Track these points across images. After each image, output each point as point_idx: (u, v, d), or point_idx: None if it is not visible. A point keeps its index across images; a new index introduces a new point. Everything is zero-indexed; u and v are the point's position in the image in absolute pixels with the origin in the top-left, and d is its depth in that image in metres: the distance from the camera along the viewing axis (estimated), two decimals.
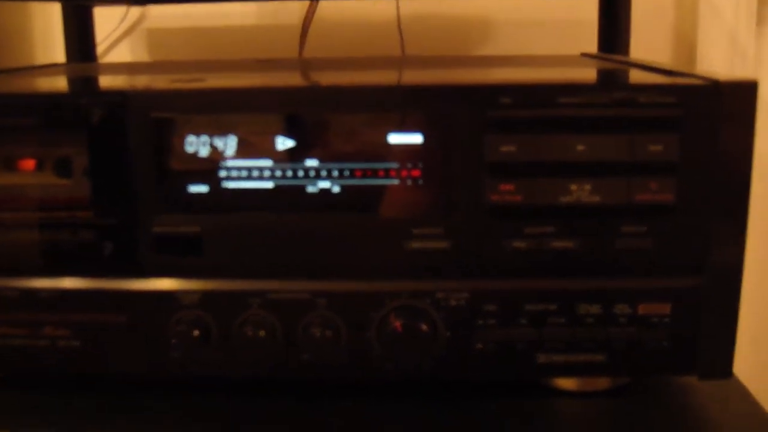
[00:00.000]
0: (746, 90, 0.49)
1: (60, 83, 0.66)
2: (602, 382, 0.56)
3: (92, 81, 0.68)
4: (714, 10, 0.98)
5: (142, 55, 1.05)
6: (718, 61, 0.99)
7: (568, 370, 0.53)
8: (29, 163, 0.53)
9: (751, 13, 0.97)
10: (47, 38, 1.05)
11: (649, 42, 1.00)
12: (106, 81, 0.68)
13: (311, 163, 0.51)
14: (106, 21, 1.02)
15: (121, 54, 1.05)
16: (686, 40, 1.02)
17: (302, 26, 0.95)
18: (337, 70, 0.70)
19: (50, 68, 0.80)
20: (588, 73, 0.63)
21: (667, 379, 0.57)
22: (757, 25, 0.98)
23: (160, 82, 0.61)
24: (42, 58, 1.05)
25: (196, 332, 0.52)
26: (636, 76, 0.57)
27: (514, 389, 0.56)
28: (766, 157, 0.97)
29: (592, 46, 0.90)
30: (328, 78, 0.66)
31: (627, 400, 0.55)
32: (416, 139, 0.51)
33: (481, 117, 0.49)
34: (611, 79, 0.59)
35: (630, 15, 0.88)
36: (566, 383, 0.56)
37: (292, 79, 0.66)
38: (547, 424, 0.53)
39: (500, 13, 1.02)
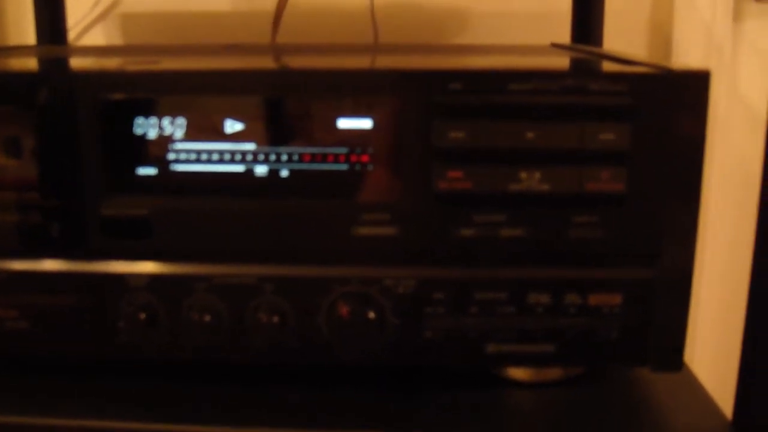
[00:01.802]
0: (699, 80, 0.48)
1: (16, 64, 0.65)
2: (555, 373, 0.55)
3: (48, 62, 0.67)
4: (690, 4, 0.97)
5: (116, 40, 1.04)
6: (694, 55, 0.98)
7: (518, 360, 0.53)
8: None
9: (728, 8, 0.97)
10: (20, 21, 1.04)
11: (625, 35, 1.00)
12: (64, 63, 0.67)
13: (260, 146, 0.51)
14: (80, 5, 1.01)
15: (95, 38, 1.04)
16: (662, 34, 1.01)
17: (275, 12, 0.94)
18: (299, 56, 0.70)
19: (18, 49, 0.80)
20: (546, 62, 0.62)
21: (620, 370, 0.57)
22: (734, 21, 0.98)
23: (115, 64, 0.61)
24: (15, 40, 1.04)
25: (142, 315, 0.52)
26: (592, 65, 0.57)
27: (467, 378, 0.55)
28: (743, 152, 0.97)
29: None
30: (286, 63, 0.65)
31: (579, 391, 0.55)
32: (365, 124, 0.50)
33: (430, 102, 0.49)
34: (564, 67, 0.58)
35: (603, 6, 0.88)
36: (519, 373, 0.55)
37: (247, 62, 0.65)
38: (499, 414, 0.53)
39: (477, 4, 1.01)
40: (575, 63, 0.61)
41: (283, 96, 0.51)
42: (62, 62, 0.67)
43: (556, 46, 0.82)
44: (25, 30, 1.03)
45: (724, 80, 0.99)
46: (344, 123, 0.50)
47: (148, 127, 0.51)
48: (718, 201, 1.00)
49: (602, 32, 0.89)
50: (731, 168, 0.99)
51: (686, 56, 0.99)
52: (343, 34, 1.01)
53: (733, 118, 0.99)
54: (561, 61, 0.63)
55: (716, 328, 1.02)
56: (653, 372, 0.52)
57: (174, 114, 0.51)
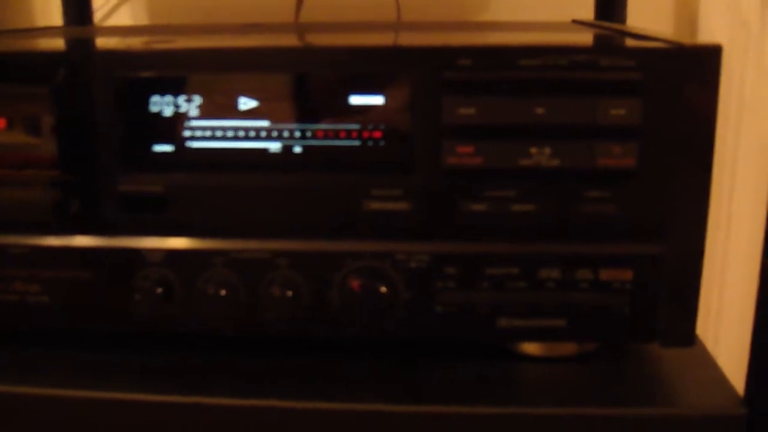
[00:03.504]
0: (711, 54, 0.48)
1: (35, 44, 0.66)
2: (568, 348, 0.56)
3: (68, 42, 0.68)
4: None
5: (142, 20, 1.05)
6: (720, 31, 0.97)
7: (529, 335, 0.53)
8: (0, 122, 0.53)
9: None
10: (47, 3, 1.05)
11: (650, 11, 0.99)
12: (83, 42, 0.68)
13: (273, 123, 0.51)
14: None
15: (121, 19, 1.05)
16: (688, 10, 1.00)
17: None
18: (318, 34, 0.70)
19: (43, 31, 0.81)
20: (563, 38, 0.62)
21: (634, 346, 0.57)
22: None
23: (133, 43, 0.62)
24: (42, 22, 1.05)
25: (159, 289, 0.53)
26: (606, 41, 0.57)
27: (479, 353, 0.56)
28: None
29: None
30: (300, 41, 0.66)
31: (592, 366, 0.55)
32: (377, 100, 0.51)
33: (440, 79, 0.49)
34: (577, 43, 0.58)
35: None
36: (531, 348, 0.56)
37: (263, 41, 0.65)
38: (511, 388, 0.53)
39: None
40: (590, 39, 0.61)
41: (296, 73, 0.51)
42: (81, 42, 0.68)
43: (577, 23, 0.81)
44: (51, 12, 1.04)
45: (752, 56, 0.97)
46: (356, 99, 0.51)
47: (163, 105, 0.52)
48: (745, 177, 0.99)
49: (625, 8, 0.88)
50: (760, 145, 0.98)
51: (712, 32, 0.98)
52: (367, 12, 1.01)
53: (762, 93, 0.98)
54: (577, 37, 0.63)
55: (743, 308, 1.01)
56: (664, 347, 0.52)
57: (189, 92, 0.52)
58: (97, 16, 1.01)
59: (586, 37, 0.63)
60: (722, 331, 1.02)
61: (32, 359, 0.56)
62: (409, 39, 0.65)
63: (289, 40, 0.67)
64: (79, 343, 0.58)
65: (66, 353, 0.57)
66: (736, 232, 1.00)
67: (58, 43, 0.67)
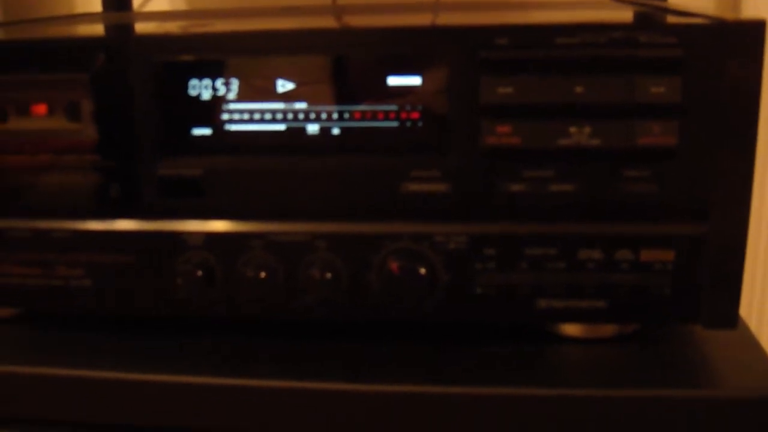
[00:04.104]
0: (754, 29, 0.47)
1: (74, 30, 0.67)
2: (608, 329, 0.55)
3: (106, 28, 0.69)
4: None
5: (180, 5, 1.06)
6: (764, 5, 0.96)
7: (569, 316, 0.53)
8: (41, 108, 0.54)
9: None
10: None
11: None
12: (121, 28, 0.69)
13: (311, 105, 0.51)
14: None
15: (160, 4, 1.06)
16: None
17: None
18: (355, 15, 0.70)
19: (83, 17, 0.81)
20: (601, 15, 0.61)
21: (676, 327, 0.57)
22: None
23: (170, 28, 0.62)
24: (81, 8, 1.06)
25: (199, 272, 0.53)
26: (645, 18, 0.56)
27: (519, 334, 0.56)
28: None
29: None
30: (336, 22, 0.66)
31: (633, 348, 0.55)
32: (415, 81, 0.50)
33: (477, 59, 0.49)
34: (615, 20, 0.57)
35: None
36: (571, 329, 0.55)
37: (300, 23, 0.65)
38: (551, 368, 0.53)
39: None
40: (629, 16, 0.60)
41: (333, 55, 0.51)
42: (120, 28, 0.69)
43: (616, 0, 0.80)
44: None
45: None
46: (394, 80, 0.51)
47: (201, 89, 0.52)
48: None
49: None
50: None
51: (756, 6, 0.96)
52: None
53: None
54: (616, 14, 0.62)
55: None
56: (706, 329, 0.52)
57: (227, 75, 0.52)
58: (136, 1, 1.01)
59: (624, 14, 0.62)
60: (766, 313, 1.01)
61: (72, 342, 0.57)
62: (445, 19, 0.64)
63: (325, 22, 0.67)
64: (120, 326, 0.58)
65: (106, 337, 0.57)
66: None
67: (97, 29, 0.67)
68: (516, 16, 0.67)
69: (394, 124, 0.51)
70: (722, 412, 0.50)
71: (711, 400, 0.50)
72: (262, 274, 0.52)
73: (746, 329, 0.56)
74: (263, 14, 0.73)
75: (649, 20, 0.53)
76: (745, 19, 0.47)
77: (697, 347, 0.55)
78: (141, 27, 0.68)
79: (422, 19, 0.66)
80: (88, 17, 0.80)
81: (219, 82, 0.52)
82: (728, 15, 0.49)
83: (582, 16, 0.61)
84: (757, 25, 0.47)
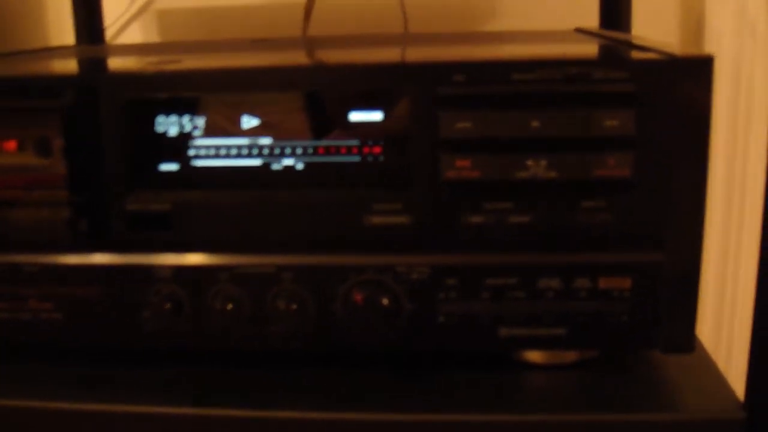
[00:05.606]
0: (703, 64, 0.49)
1: (45, 66, 0.68)
2: (569, 356, 0.56)
3: (76, 64, 0.70)
4: None
5: (153, 36, 1.07)
6: (726, 36, 0.98)
7: (530, 343, 0.54)
8: (11, 144, 0.55)
9: None
10: (60, 21, 1.07)
11: (656, 18, 0.99)
12: (91, 64, 0.70)
13: (276, 141, 0.53)
14: (117, 3, 1.04)
15: (132, 35, 1.07)
16: (694, 15, 1.01)
17: (305, 5, 0.96)
18: (326, 49, 0.71)
19: (57, 50, 0.82)
20: (562, 49, 0.63)
21: (636, 352, 0.58)
22: None
23: (138, 64, 0.63)
24: (56, 40, 1.07)
25: (168, 305, 0.54)
26: (600, 52, 0.57)
27: (483, 361, 0.57)
28: None
29: None
30: (307, 57, 0.67)
31: (594, 373, 0.56)
32: (376, 116, 0.52)
33: (436, 95, 0.50)
34: (571, 55, 0.59)
35: None
36: (534, 356, 0.56)
37: (269, 58, 0.67)
38: (515, 396, 0.54)
39: None
40: (588, 50, 0.62)
41: (296, 91, 0.53)
42: (91, 64, 0.70)
43: (580, 32, 0.82)
44: (65, 30, 1.06)
45: (760, 61, 0.98)
46: (356, 116, 0.52)
47: (169, 125, 0.53)
48: (754, 189, 0.99)
49: (630, 15, 0.89)
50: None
51: (719, 38, 0.98)
52: (374, 23, 1.02)
53: None
54: (576, 48, 0.64)
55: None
56: (664, 354, 0.53)
57: (194, 112, 0.53)
58: (110, 32, 1.03)
59: (584, 48, 0.64)
60: (736, 336, 1.02)
61: (42, 374, 0.58)
62: (409, 54, 0.66)
63: (295, 56, 0.68)
64: (89, 358, 0.59)
65: (76, 368, 0.58)
66: (748, 239, 1.00)
67: (68, 66, 0.68)
68: (478, 50, 0.69)
69: (357, 158, 0.52)
70: None
71: (669, 423, 0.51)
72: (229, 306, 0.53)
73: (704, 353, 0.58)
74: (233, 48, 0.74)
75: (604, 56, 0.54)
76: (694, 54, 0.49)
77: (658, 371, 0.56)
78: (113, 63, 0.69)
79: (388, 53, 0.67)
80: (60, 51, 0.81)
81: (186, 119, 0.53)
82: (689, 47, 0.50)
83: (544, 51, 0.63)
84: (705, 60, 0.49)
